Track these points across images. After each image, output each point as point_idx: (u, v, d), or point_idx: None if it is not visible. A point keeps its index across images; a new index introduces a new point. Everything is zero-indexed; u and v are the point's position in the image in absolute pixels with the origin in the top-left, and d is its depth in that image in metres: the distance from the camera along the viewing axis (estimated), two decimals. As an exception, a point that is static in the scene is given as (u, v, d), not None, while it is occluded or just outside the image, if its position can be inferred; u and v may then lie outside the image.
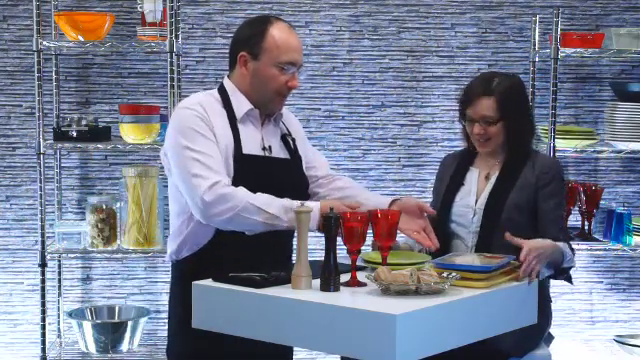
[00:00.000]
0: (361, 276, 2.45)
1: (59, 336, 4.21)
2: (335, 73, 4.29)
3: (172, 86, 3.77)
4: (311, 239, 2.45)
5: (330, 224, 2.37)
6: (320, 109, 4.30)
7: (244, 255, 2.64)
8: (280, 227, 2.61)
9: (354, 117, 4.30)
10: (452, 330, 2.31)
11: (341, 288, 2.38)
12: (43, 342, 3.87)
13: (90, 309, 4.15)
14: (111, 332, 3.93)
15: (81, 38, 3.84)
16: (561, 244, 2.77)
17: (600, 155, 4.26)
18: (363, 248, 2.46)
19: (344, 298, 2.32)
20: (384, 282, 2.32)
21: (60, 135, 3.86)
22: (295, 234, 2.50)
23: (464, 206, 3.00)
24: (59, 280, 4.19)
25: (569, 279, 2.93)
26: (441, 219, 3.01)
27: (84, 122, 3.88)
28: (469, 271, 2.46)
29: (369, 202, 2.77)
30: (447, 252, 2.98)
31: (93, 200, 3.94)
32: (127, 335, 3.95)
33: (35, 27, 3.77)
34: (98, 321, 4.04)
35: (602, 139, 4.15)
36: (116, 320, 4.10)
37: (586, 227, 4.01)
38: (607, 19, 4.31)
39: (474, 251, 2.90)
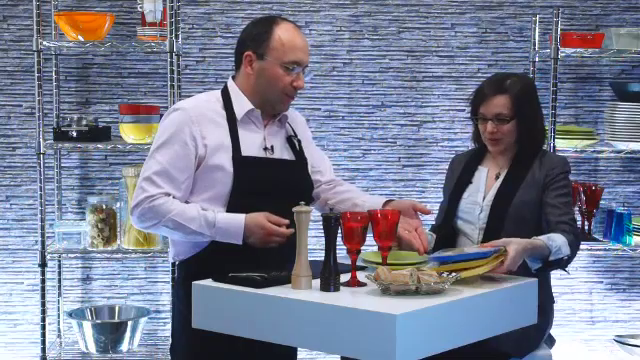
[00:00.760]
0: (361, 276, 2.45)
1: (59, 336, 4.21)
2: (335, 73, 4.29)
3: (172, 86, 3.77)
4: (311, 239, 2.45)
5: (330, 224, 2.37)
6: (320, 109, 4.30)
7: (247, 256, 2.65)
8: (205, 240, 2.69)
9: (354, 117, 4.30)
10: (452, 330, 2.31)
11: (341, 288, 2.38)
12: (43, 342, 3.86)
13: (90, 309, 4.15)
14: (111, 332, 3.93)
15: (81, 38, 3.84)
16: (544, 237, 2.74)
17: (600, 155, 4.26)
18: (363, 248, 2.46)
19: (344, 298, 2.32)
20: (384, 282, 2.32)
21: (60, 135, 3.86)
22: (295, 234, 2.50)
23: (471, 202, 3.02)
24: (59, 280, 4.19)
25: (563, 267, 2.86)
26: (448, 215, 3.02)
27: (84, 122, 3.89)
28: (467, 260, 2.46)
29: (365, 204, 2.79)
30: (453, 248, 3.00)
31: (93, 200, 3.94)
32: (127, 335, 3.95)
33: (35, 27, 3.77)
34: (98, 321, 4.04)
35: (602, 139, 4.16)
36: (116, 320, 4.10)
37: (586, 227, 4.02)
38: (607, 19, 4.31)
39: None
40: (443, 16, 4.29)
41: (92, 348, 3.94)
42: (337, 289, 2.37)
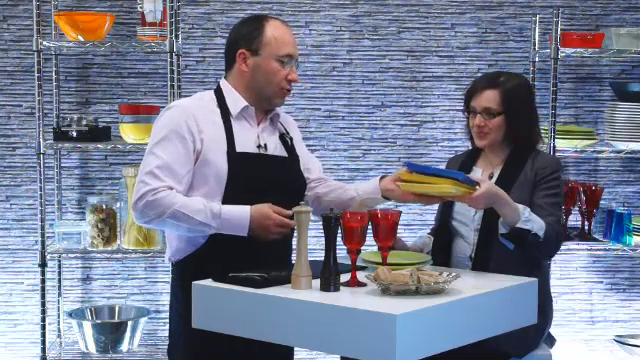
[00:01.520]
0: (361, 276, 2.45)
1: (59, 336, 4.21)
2: (335, 73, 4.29)
3: (172, 86, 3.77)
4: (311, 239, 2.45)
5: (330, 224, 2.37)
6: (320, 109, 4.30)
7: (244, 255, 2.65)
8: (210, 232, 2.67)
9: (354, 117, 4.30)
10: (452, 330, 2.31)
11: (341, 288, 2.39)
12: (43, 342, 3.86)
13: (90, 309, 4.15)
14: (111, 332, 3.93)
15: (81, 38, 3.84)
16: (521, 206, 2.77)
17: (600, 155, 4.26)
18: (363, 248, 2.46)
19: (344, 298, 2.32)
20: (384, 282, 2.32)
21: (60, 135, 3.86)
22: (295, 234, 2.50)
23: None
24: (59, 280, 4.19)
25: (529, 247, 2.80)
26: (444, 217, 3.02)
27: (84, 122, 3.89)
28: (439, 176, 2.66)
29: (359, 190, 2.87)
30: (450, 250, 2.99)
31: (93, 200, 3.94)
32: (127, 335, 3.95)
33: (35, 27, 3.77)
34: (98, 321, 4.04)
35: (602, 139, 4.16)
36: (116, 320, 4.10)
37: (586, 227, 4.02)
38: (607, 19, 4.31)
39: (476, 250, 2.91)
40: (443, 16, 4.29)
41: (92, 348, 3.94)
42: (337, 289, 2.37)
